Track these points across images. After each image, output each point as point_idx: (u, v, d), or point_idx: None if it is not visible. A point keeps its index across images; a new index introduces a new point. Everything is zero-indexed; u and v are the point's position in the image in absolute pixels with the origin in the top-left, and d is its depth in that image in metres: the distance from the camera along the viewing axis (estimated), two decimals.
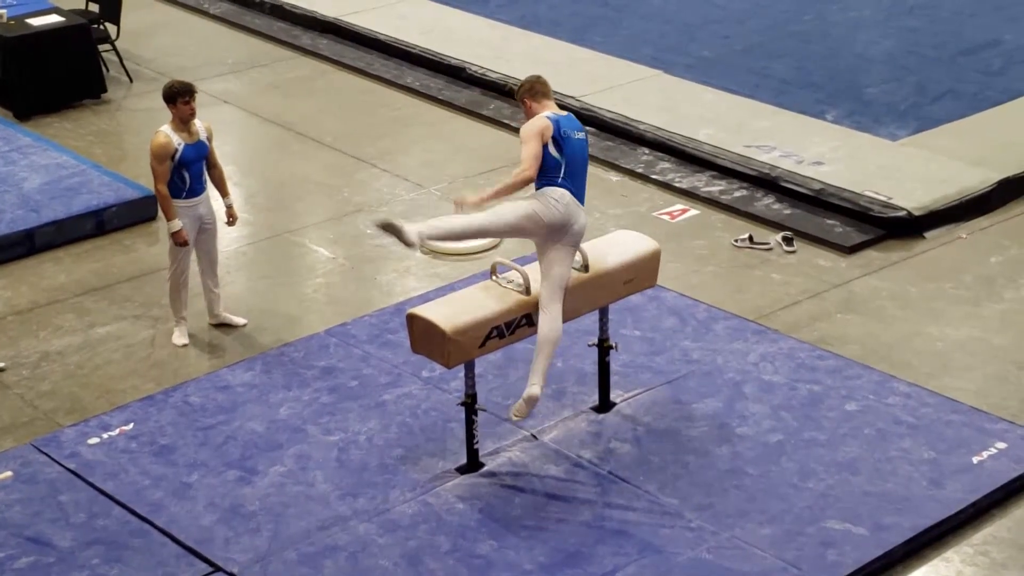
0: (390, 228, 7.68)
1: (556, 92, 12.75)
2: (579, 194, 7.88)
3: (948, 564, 7.46)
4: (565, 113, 8.05)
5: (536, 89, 8.07)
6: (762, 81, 13.37)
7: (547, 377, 8.08)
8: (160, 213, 9.96)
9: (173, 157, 9.13)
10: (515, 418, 8.05)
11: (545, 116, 7.89)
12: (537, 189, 7.83)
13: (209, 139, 9.35)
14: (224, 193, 9.59)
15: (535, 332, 7.98)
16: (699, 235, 10.84)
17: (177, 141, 9.15)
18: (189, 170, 9.21)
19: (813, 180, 11.26)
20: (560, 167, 7.80)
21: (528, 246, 10.14)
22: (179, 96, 9.11)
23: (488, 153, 12.32)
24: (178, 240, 9.28)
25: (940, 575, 7.39)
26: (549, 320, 7.85)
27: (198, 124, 9.28)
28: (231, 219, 9.65)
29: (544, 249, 7.87)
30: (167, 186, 9.19)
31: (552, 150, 7.80)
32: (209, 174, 9.46)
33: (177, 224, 9.23)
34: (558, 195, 7.78)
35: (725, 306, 9.74)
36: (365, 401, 8.73)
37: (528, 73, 12.78)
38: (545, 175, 7.82)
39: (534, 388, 7.92)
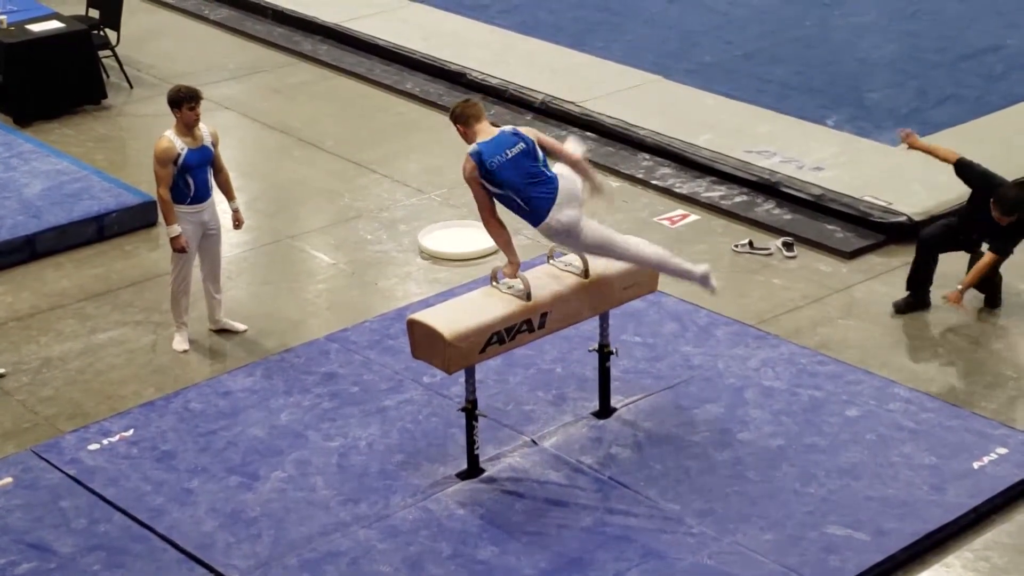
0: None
1: (556, 98, 12.93)
2: (541, 191, 7.81)
3: (949, 569, 7.46)
4: (497, 132, 7.91)
5: (466, 113, 7.96)
6: (763, 86, 13.37)
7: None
8: (162, 219, 9.95)
9: (176, 161, 9.14)
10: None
11: (468, 153, 7.79)
12: (536, 226, 7.87)
13: (215, 144, 9.35)
14: (230, 197, 9.59)
15: (535, 337, 7.99)
16: (699, 240, 10.84)
17: (180, 145, 9.15)
18: (193, 175, 9.22)
19: (814, 185, 11.27)
20: (512, 198, 7.79)
21: (529, 251, 10.14)
22: (184, 102, 9.11)
23: None
24: (176, 246, 9.28)
25: None
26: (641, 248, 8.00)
27: (203, 129, 9.28)
28: (237, 223, 9.65)
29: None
30: (171, 191, 9.19)
31: (490, 187, 7.79)
32: (215, 179, 9.47)
33: (176, 229, 9.23)
34: (548, 215, 7.79)
35: (726, 311, 9.74)
36: (366, 407, 8.73)
37: (529, 78, 12.80)
38: (514, 210, 7.84)
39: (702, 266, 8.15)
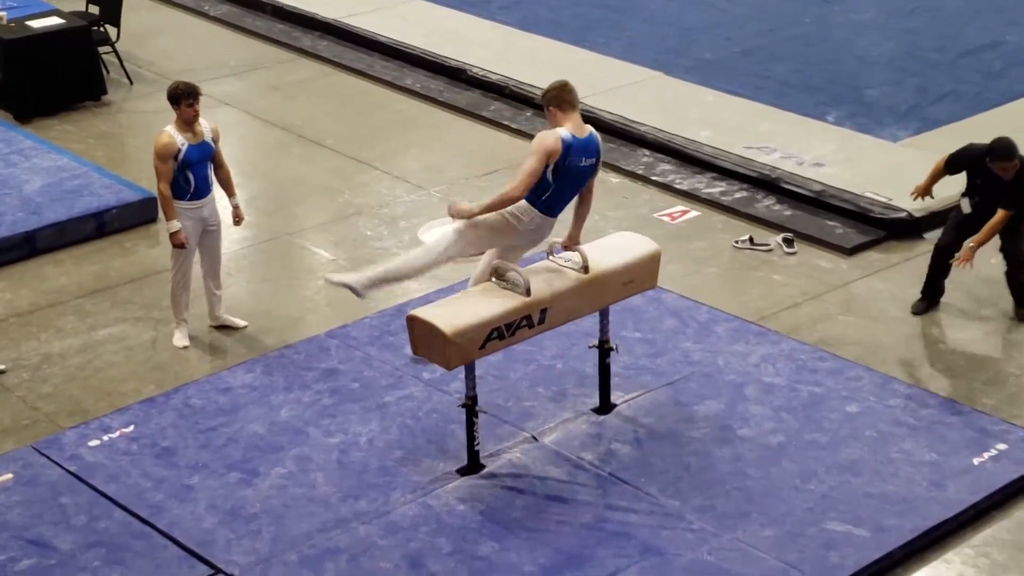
0: (341, 285, 8.00)
1: None
2: (555, 210, 7.88)
3: (949, 566, 7.46)
4: (587, 132, 7.83)
5: (562, 98, 7.85)
6: (763, 83, 13.37)
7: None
8: (162, 215, 9.96)
9: (176, 157, 9.14)
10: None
11: (560, 135, 7.71)
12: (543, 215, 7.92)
13: (215, 140, 9.35)
14: (231, 193, 9.60)
15: (536, 333, 7.99)
16: (700, 236, 10.84)
17: (180, 141, 9.15)
18: (193, 171, 9.21)
19: (814, 182, 11.27)
20: (548, 190, 7.79)
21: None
22: (183, 98, 9.11)
23: (489, 155, 12.33)
24: (175, 241, 9.28)
25: None
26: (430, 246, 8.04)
27: (203, 125, 9.28)
28: (238, 220, 9.65)
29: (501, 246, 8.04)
30: (171, 187, 9.19)
31: (549, 174, 7.75)
32: (216, 175, 9.47)
33: (176, 225, 9.23)
34: (527, 218, 7.83)
35: (726, 308, 9.74)
36: (366, 403, 8.73)
37: (530, 75, 12.79)
38: (535, 193, 7.82)
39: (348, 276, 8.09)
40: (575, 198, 8.01)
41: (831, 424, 8.41)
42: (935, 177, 9.81)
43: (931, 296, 9.78)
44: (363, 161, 12.27)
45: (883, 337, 9.48)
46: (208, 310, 9.71)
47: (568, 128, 7.77)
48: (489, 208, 7.81)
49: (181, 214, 9.26)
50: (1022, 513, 7.82)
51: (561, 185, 7.80)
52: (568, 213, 8.08)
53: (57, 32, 13.33)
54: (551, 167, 7.72)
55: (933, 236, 10.72)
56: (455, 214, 7.87)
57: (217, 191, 9.51)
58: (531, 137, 12.40)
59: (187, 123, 9.18)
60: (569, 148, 7.71)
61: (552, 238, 8.15)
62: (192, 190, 9.25)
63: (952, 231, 9.69)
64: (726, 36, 14.64)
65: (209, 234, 9.47)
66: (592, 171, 7.91)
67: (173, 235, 9.27)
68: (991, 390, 8.88)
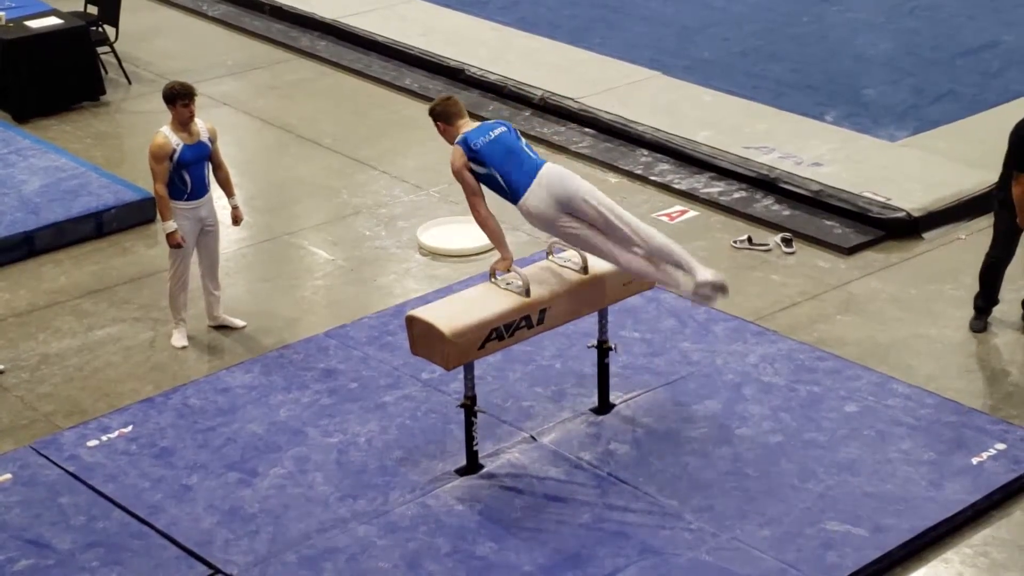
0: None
1: (555, 94, 12.94)
2: (519, 185, 7.84)
3: (948, 565, 7.46)
4: (477, 124, 8.06)
5: (448, 112, 8.07)
6: (761, 83, 13.38)
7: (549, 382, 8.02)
8: (158, 215, 9.96)
9: (172, 157, 9.13)
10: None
11: (456, 143, 7.94)
12: (515, 204, 7.91)
13: (212, 140, 9.35)
14: (230, 194, 9.59)
15: (534, 333, 7.99)
16: (698, 236, 10.84)
17: (176, 141, 9.15)
18: (189, 172, 9.21)
19: (812, 181, 11.27)
20: (494, 176, 7.86)
21: (527, 248, 10.16)
22: (178, 98, 9.11)
23: None
24: (171, 242, 9.28)
25: None
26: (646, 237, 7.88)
27: (200, 125, 9.28)
28: (237, 220, 9.65)
29: (576, 226, 7.89)
30: (168, 188, 9.19)
31: (476, 168, 7.87)
32: (215, 175, 9.46)
33: (172, 225, 9.23)
34: (529, 207, 7.83)
35: (724, 307, 9.72)
36: (365, 403, 8.73)
37: (528, 75, 12.82)
38: (496, 190, 7.91)
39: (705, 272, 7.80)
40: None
41: (829, 424, 8.41)
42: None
43: (987, 309, 9.61)
44: (361, 161, 12.27)
45: (881, 337, 9.48)
46: (206, 310, 9.71)
47: (462, 133, 7.97)
48: (497, 245, 8.00)
49: (178, 214, 9.25)
50: (1021, 512, 7.82)
51: (491, 157, 7.86)
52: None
53: (55, 32, 13.33)
54: (473, 167, 7.88)
55: (931, 236, 10.75)
56: (501, 270, 7.99)
57: (216, 191, 9.51)
58: (530, 138, 12.48)
59: (183, 123, 9.17)
60: (467, 141, 7.89)
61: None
62: (189, 190, 9.25)
63: (1003, 240, 9.40)
64: (724, 36, 14.64)
65: (207, 234, 9.47)
66: (510, 132, 7.97)
67: (169, 236, 9.27)
68: (989, 389, 8.89)
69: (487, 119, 12.90)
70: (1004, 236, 9.42)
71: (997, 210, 9.46)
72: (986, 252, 9.54)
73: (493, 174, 7.86)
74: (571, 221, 7.81)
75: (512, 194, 7.86)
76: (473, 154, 7.86)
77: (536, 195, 7.79)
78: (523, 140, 8.01)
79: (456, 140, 7.96)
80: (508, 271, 7.96)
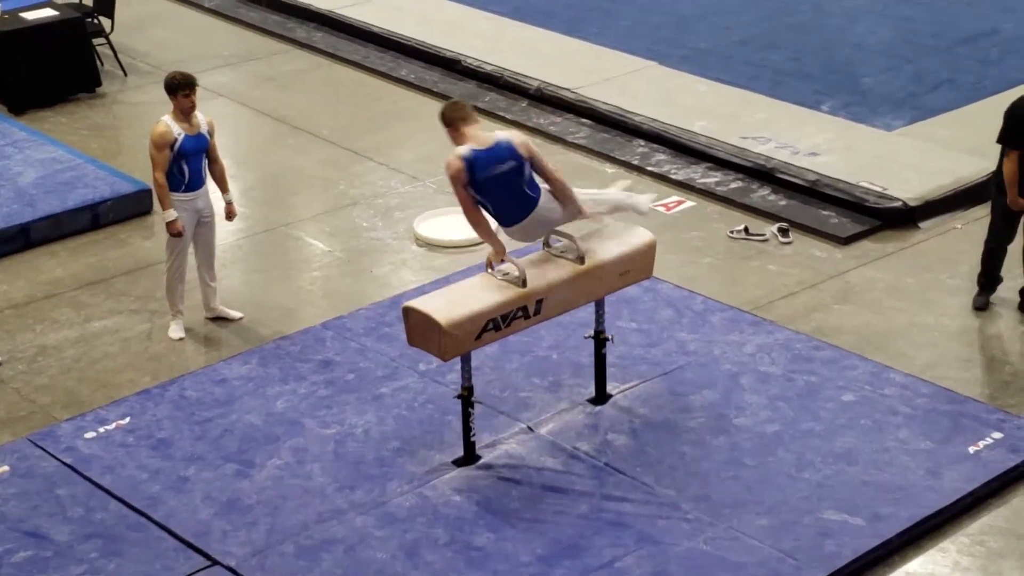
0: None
1: (552, 84, 12.92)
2: (507, 219, 7.88)
3: (945, 554, 7.47)
4: (492, 142, 7.77)
5: (454, 117, 7.89)
6: (758, 72, 13.36)
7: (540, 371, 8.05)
8: (156, 206, 9.95)
9: (172, 146, 9.13)
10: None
11: (459, 154, 7.71)
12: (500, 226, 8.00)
13: (211, 133, 9.34)
14: (224, 189, 9.58)
15: (531, 324, 7.99)
16: (695, 227, 10.84)
17: (177, 131, 9.15)
18: (188, 162, 9.21)
19: (809, 171, 11.27)
20: (488, 205, 7.85)
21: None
22: (180, 88, 9.11)
23: None
24: (172, 230, 9.27)
25: (937, 565, 7.39)
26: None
27: (200, 117, 9.28)
28: (230, 215, 9.65)
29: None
30: (167, 178, 9.18)
31: (472, 192, 7.79)
32: (210, 169, 9.46)
33: (172, 214, 9.22)
34: (512, 227, 7.95)
35: (721, 297, 9.75)
36: (362, 394, 8.73)
37: (524, 65, 12.77)
38: (488, 210, 7.93)
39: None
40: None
41: (826, 413, 8.42)
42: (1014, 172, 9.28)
43: (991, 286, 9.68)
44: (358, 152, 12.26)
45: (878, 326, 9.48)
46: (203, 301, 9.71)
47: (469, 144, 7.77)
48: (486, 238, 8.02)
49: (175, 206, 9.24)
50: (1018, 501, 7.83)
51: (493, 195, 7.81)
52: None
53: (51, 24, 13.32)
54: (468, 188, 7.78)
55: (928, 225, 10.75)
56: (495, 260, 8.01)
57: (211, 183, 9.49)
58: (527, 128, 12.49)
59: (184, 113, 9.17)
60: (473, 164, 7.69)
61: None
62: (187, 181, 9.25)
63: (1000, 224, 9.46)
64: (721, 25, 14.62)
65: (203, 226, 9.47)
66: (518, 171, 7.78)
67: (170, 224, 9.26)
68: (986, 379, 8.89)
69: (483, 110, 12.98)
70: (1000, 221, 9.45)
71: (994, 195, 9.48)
72: (985, 239, 9.56)
73: (485, 204, 7.86)
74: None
75: (498, 220, 7.94)
76: (474, 184, 7.74)
77: (520, 231, 7.95)
78: (527, 173, 7.80)
79: (462, 153, 7.72)
80: (503, 261, 7.96)
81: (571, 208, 8.01)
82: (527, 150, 7.81)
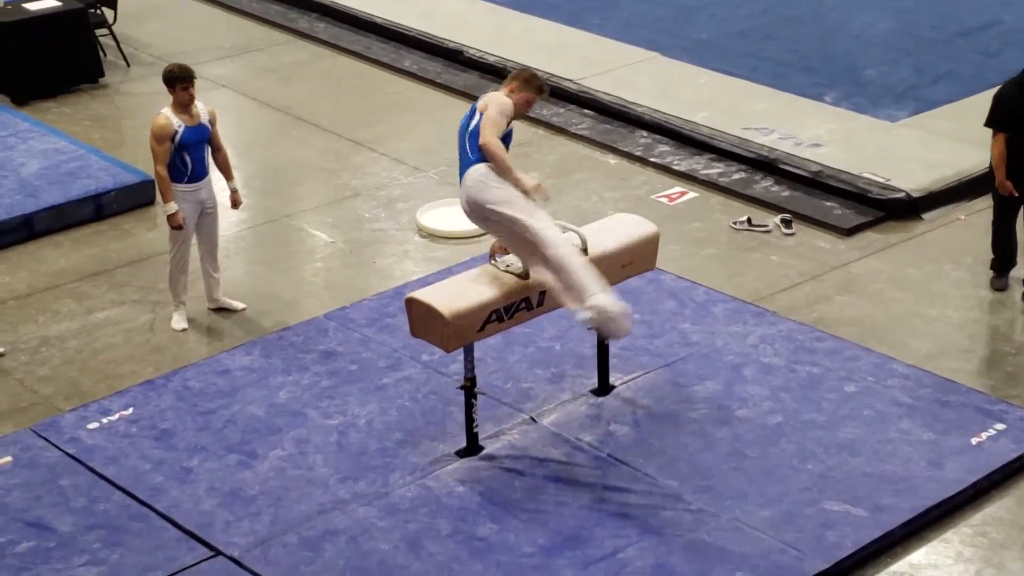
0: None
1: (554, 75, 12.93)
2: (461, 169, 7.83)
3: (947, 545, 7.48)
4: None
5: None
6: (760, 64, 13.36)
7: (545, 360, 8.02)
8: (159, 197, 9.95)
9: (173, 139, 9.13)
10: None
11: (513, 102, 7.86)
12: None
13: (212, 122, 9.34)
14: (228, 177, 9.58)
15: (534, 315, 7.99)
16: (697, 218, 10.84)
17: (177, 123, 9.14)
18: (190, 153, 9.21)
19: (811, 162, 11.27)
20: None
21: None
22: (178, 82, 9.11)
23: None
24: (173, 223, 9.27)
25: (939, 556, 7.40)
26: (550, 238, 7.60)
27: (200, 107, 9.28)
28: (235, 203, 9.64)
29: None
30: (169, 170, 9.19)
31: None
32: (213, 157, 9.46)
33: (173, 207, 9.23)
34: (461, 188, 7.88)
35: (724, 288, 9.75)
36: (364, 385, 8.74)
37: (526, 56, 12.81)
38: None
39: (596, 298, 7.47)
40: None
41: (829, 404, 8.42)
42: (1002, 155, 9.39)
43: (1006, 266, 9.76)
44: (360, 143, 12.26)
45: (881, 317, 9.48)
46: (206, 293, 9.71)
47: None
48: (507, 174, 7.74)
49: (178, 196, 9.25)
50: (1020, 492, 7.84)
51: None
52: None
53: (54, 15, 13.30)
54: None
55: (931, 216, 10.75)
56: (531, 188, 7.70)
57: (214, 173, 9.50)
58: (529, 119, 12.50)
59: (183, 106, 9.17)
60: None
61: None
62: (189, 172, 9.25)
63: (1005, 206, 9.58)
64: (722, 16, 14.62)
65: (206, 216, 9.47)
66: (465, 122, 7.82)
67: (171, 217, 9.26)
68: (989, 370, 8.90)
69: None
70: (998, 204, 9.56)
71: (992, 180, 9.57)
72: (992, 222, 9.61)
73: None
74: (491, 224, 7.82)
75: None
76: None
77: (463, 194, 7.80)
78: (471, 128, 7.73)
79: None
80: (539, 187, 7.63)
81: (510, 186, 7.70)
82: (483, 105, 7.78)
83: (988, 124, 9.44)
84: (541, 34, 14.03)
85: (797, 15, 14.62)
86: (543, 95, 8.08)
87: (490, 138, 7.59)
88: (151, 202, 11.16)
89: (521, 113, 7.96)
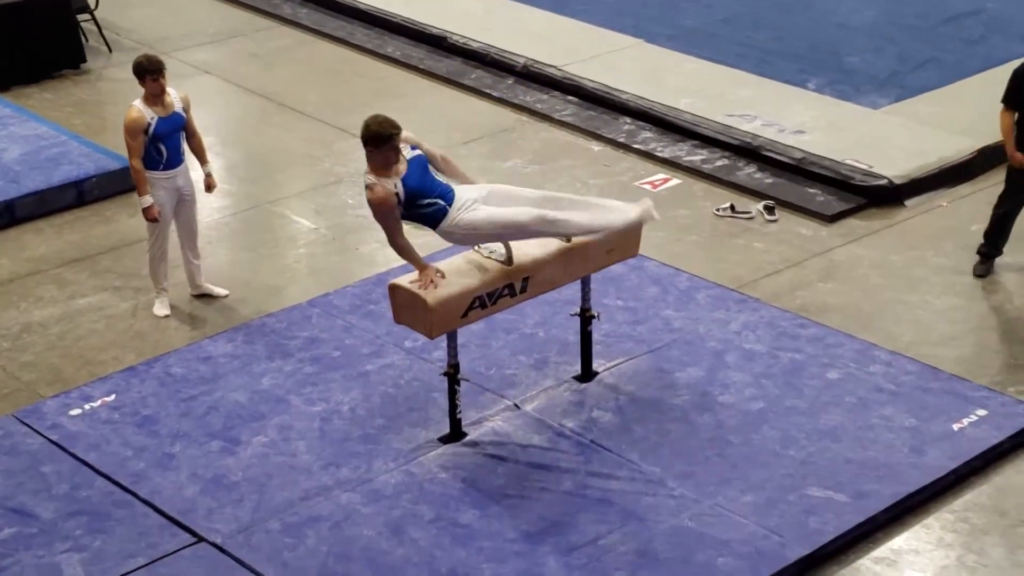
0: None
1: (538, 61, 12.93)
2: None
3: (929, 531, 7.50)
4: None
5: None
6: (744, 51, 13.36)
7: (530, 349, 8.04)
8: None
9: (147, 131, 9.09)
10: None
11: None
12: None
13: (186, 109, 9.30)
14: (203, 161, 9.55)
15: (517, 302, 7.98)
16: (681, 204, 10.84)
17: (150, 115, 9.10)
18: (165, 143, 9.17)
19: (795, 149, 11.28)
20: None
21: None
22: (147, 74, 9.05)
23: (470, 123, 12.31)
24: (148, 216, 9.25)
25: (921, 541, 7.42)
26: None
27: (172, 95, 9.23)
28: (209, 187, 9.60)
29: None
30: (144, 159, 9.16)
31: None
32: (188, 143, 9.42)
33: (148, 200, 9.19)
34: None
35: (707, 275, 9.76)
36: (347, 371, 8.73)
37: (511, 42, 12.71)
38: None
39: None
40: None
41: (811, 391, 8.44)
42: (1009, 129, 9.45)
43: (993, 252, 9.78)
44: (344, 129, 12.23)
45: (863, 304, 9.50)
46: (188, 279, 9.69)
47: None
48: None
49: (155, 184, 9.22)
50: (1001, 478, 7.86)
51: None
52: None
53: (36, 0, 13.24)
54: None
55: (913, 203, 10.77)
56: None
57: (190, 160, 9.47)
58: (513, 106, 12.49)
59: (155, 96, 9.13)
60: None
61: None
62: (164, 160, 9.21)
63: (1011, 195, 9.59)
64: (707, 3, 14.61)
65: (184, 203, 9.44)
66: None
67: (146, 210, 9.24)
68: (971, 356, 8.91)
69: (470, 87, 12.97)
70: (1012, 187, 9.56)
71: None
72: (994, 205, 9.62)
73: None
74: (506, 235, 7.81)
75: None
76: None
77: (455, 241, 7.84)
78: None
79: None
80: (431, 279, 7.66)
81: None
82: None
83: (1003, 100, 9.42)
84: (526, 20, 14.02)
85: (781, 3, 14.62)
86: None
87: (393, 245, 7.66)
88: (133, 188, 11.05)
89: (393, 163, 7.65)
